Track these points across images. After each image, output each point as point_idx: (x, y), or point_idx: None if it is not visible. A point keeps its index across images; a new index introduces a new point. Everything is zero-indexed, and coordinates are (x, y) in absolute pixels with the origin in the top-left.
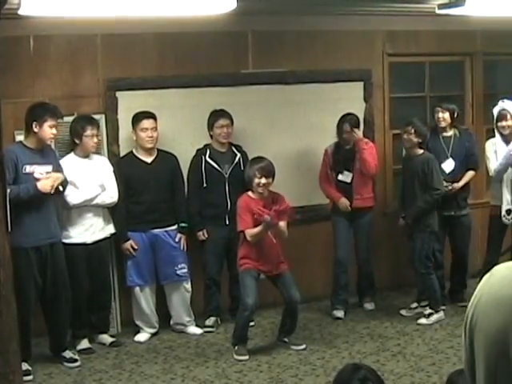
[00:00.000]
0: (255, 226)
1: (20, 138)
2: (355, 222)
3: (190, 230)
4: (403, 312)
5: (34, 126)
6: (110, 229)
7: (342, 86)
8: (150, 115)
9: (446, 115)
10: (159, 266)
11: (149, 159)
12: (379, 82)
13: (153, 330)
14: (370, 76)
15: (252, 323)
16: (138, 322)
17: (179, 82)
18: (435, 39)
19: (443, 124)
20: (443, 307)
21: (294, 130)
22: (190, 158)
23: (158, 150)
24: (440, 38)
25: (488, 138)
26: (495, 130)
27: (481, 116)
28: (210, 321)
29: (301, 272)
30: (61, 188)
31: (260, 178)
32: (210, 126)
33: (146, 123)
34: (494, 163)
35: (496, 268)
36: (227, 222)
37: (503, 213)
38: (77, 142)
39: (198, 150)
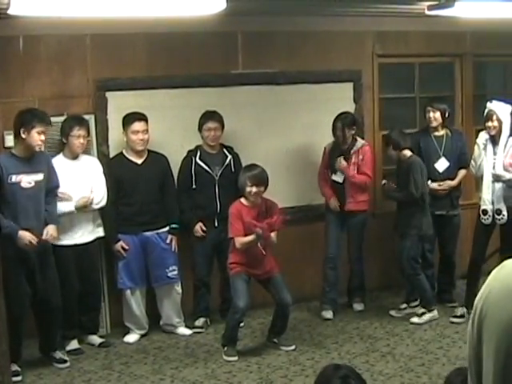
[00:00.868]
0: (246, 233)
1: (10, 138)
2: (348, 221)
3: (181, 231)
4: (393, 313)
5: (21, 132)
6: (100, 231)
7: (332, 87)
8: (142, 117)
9: (437, 115)
10: (150, 268)
11: (139, 160)
12: (369, 83)
13: (142, 332)
14: (359, 77)
15: (242, 324)
16: (127, 324)
17: (169, 82)
18: (425, 40)
19: (434, 124)
20: (435, 307)
21: (284, 131)
22: (180, 159)
23: (149, 150)
24: (430, 39)
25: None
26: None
27: (470, 117)
28: (200, 322)
29: (290, 272)
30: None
31: (251, 186)
32: (200, 128)
33: (138, 126)
34: (477, 162)
35: (506, 261)
36: (216, 224)
37: (480, 212)
38: (64, 141)
39: (189, 152)
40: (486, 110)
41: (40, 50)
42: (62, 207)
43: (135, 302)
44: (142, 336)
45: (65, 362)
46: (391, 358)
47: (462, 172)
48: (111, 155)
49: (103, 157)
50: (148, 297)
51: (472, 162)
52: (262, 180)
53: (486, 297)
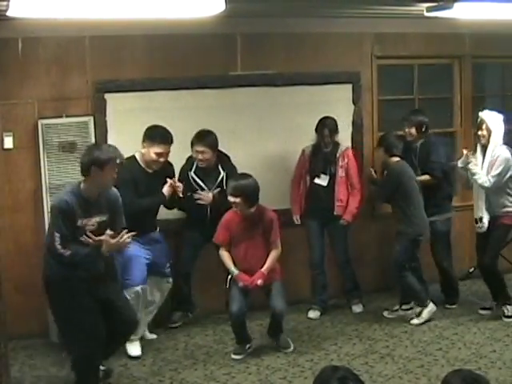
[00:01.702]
0: (232, 242)
1: (9, 139)
2: (328, 225)
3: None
4: (385, 314)
5: (93, 170)
6: None
7: (331, 89)
8: (168, 139)
9: (413, 130)
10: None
11: (151, 170)
12: (368, 85)
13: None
14: (358, 78)
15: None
16: None
17: (168, 84)
18: (424, 42)
19: (409, 138)
20: (429, 301)
21: (282, 132)
22: (178, 160)
23: None
24: (428, 41)
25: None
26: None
27: (469, 118)
28: (176, 316)
29: (289, 274)
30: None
31: (230, 195)
32: (191, 147)
33: (163, 148)
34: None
35: None
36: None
37: (477, 219)
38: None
39: (187, 159)
40: (478, 119)
41: (39, 51)
42: None
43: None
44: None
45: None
46: (390, 360)
47: (424, 177)
48: None
49: None
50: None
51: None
52: (237, 191)
53: None
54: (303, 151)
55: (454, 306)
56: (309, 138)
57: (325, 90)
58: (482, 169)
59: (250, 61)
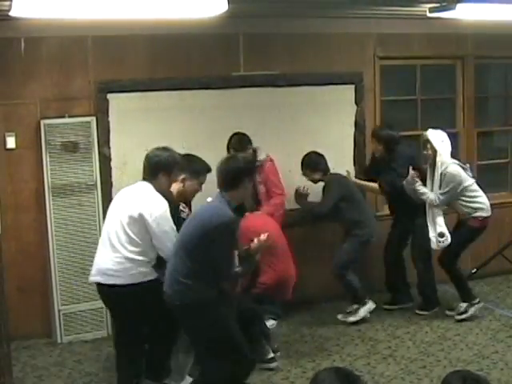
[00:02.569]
0: None
1: (11, 139)
2: None
3: None
4: (339, 316)
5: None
6: None
7: (333, 89)
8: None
9: (380, 147)
10: None
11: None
12: (370, 85)
13: None
14: (361, 79)
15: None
16: None
17: (170, 84)
18: (426, 42)
19: (377, 154)
20: (368, 300)
21: (284, 133)
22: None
23: None
24: (431, 41)
25: None
26: None
27: (472, 119)
28: None
29: None
30: None
31: None
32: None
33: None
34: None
35: None
36: None
37: (435, 235)
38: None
39: None
40: (423, 139)
41: (41, 51)
42: None
43: None
44: None
45: None
46: (392, 361)
47: (373, 184)
48: (112, 158)
49: (105, 159)
50: None
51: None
52: None
53: None
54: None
55: (423, 312)
56: (311, 139)
57: (327, 91)
58: (434, 186)
59: (252, 61)
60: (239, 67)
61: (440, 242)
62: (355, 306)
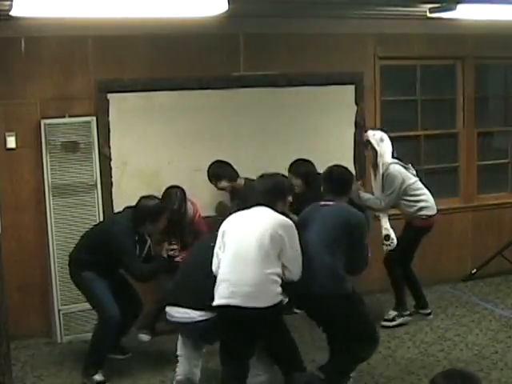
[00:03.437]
0: None
1: (11, 139)
2: None
3: None
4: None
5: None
6: None
7: (334, 89)
8: None
9: (299, 182)
10: None
11: None
12: (370, 85)
13: None
14: (361, 79)
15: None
16: None
17: (171, 84)
18: (426, 43)
19: (297, 190)
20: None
21: (285, 133)
22: (179, 160)
23: None
24: (431, 42)
25: None
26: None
27: (472, 119)
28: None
29: None
30: None
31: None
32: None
33: None
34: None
35: None
36: None
37: (382, 238)
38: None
39: None
40: (364, 140)
41: (42, 51)
42: None
43: None
44: None
45: None
46: (392, 361)
47: None
48: (113, 157)
49: (105, 159)
50: None
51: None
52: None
53: None
54: None
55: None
56: (311, 139)
57: (328, 91)
58: (376, 188)
59: (252, 61)
60: (239, 67)
61: (386, 244)
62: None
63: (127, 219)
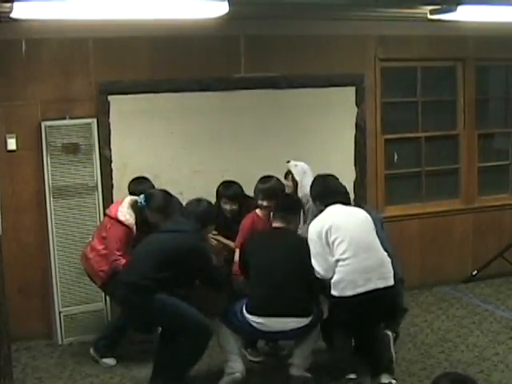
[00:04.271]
0: None
1: (12, 141)
2: None
3: None
4: None
5: None
6: None
7: (334, 91)
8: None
9: (235, 206)
10: None
11: None
12: (371, 87)
13: None
14: (361, 81)
15: None
16: None
17: (171, 86)
18: (427, 44)
19: (229, 215)
20: None
21: (285, 135)
22: (180, 162)
23: None
24: (432, 43)
25: None
26: None
27: (472, 121)
28: None
29: None
30: None
31: (262, 200)
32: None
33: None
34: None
35: None
36: None
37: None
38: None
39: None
40: (286, 170)
41: (42, 53)
42: None
43: None
44: None
45: None
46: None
47: None
48: (113, 159)
49: (105, 161)
50: None
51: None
52: (272, 194)
53: None
54: None
55: None
56: (312, 141)
57: (328, 93)
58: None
59: (253, 63)
60: (240, 69)
61: None
62: None
63: (194, 228)
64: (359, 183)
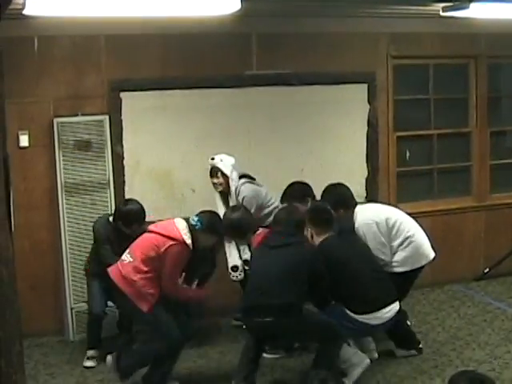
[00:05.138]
0: None
1: (24, 138)
2: None
3: None
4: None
5: None
6: None
7: (346, 88)
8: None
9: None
10: None
11: None
12: (383, 84)
13: None
14: (374, 78)
15: None
16: None
17: (183, 82)
18: (439, 41)
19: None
20: None
21: (297, 132)
22: (192, 159)
23: None
24: (444, 41)
25: None
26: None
27: (484, 119)
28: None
29: None
30: None
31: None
32: None
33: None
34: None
35: None
36: None
37: (229, 270)
38: None
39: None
40: (210, 167)
41: (54, 50)
42: None
43: None
44: None
45: None
46: (404, 360)
47: None
48: (125, 156)
49: (117, 158)
50: None
51: None
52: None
53: None
54: None
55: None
56: (324, 138)
57: (340, 90)
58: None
59: (265, 60)
60: (252, 66)
61: (234, 276)
62: None
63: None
64: (371, 180)
